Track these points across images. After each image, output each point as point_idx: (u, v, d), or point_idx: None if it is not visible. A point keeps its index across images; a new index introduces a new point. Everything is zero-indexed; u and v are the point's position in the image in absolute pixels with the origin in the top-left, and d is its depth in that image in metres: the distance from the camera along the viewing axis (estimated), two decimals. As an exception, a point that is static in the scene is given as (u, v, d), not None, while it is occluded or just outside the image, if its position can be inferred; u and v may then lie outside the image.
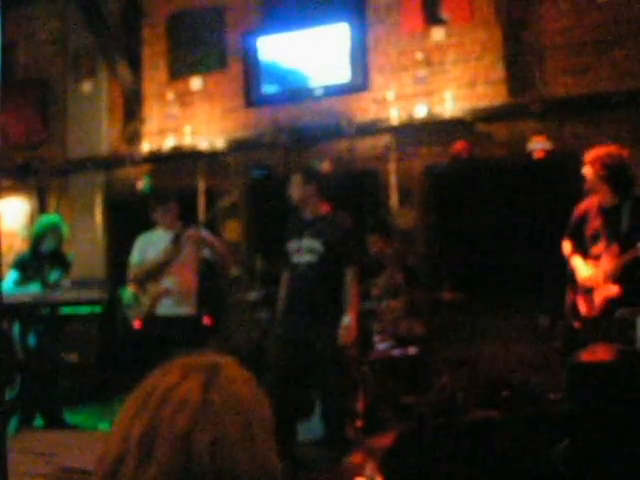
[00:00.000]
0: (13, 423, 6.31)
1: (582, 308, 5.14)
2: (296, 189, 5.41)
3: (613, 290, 4.89)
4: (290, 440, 5.37)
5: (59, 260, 6.87)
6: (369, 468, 4.46)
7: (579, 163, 7.21)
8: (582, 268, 5.15)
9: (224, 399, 1.12)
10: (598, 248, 5.08)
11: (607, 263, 4.98)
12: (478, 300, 7.29)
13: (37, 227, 6.96)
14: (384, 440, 5.87)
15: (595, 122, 7.49)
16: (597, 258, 5.09)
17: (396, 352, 6.66)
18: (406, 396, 6.81)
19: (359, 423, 5.97)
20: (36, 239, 6.82)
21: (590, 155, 5.15)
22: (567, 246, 5.39)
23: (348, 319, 5.19)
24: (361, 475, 4.24)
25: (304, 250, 5.30)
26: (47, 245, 6.81)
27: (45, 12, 10.29)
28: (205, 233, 6.19)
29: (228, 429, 1.10)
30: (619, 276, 4.90)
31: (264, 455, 1.15)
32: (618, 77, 7.46)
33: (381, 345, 6.62)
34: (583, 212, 5.27)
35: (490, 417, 6.67)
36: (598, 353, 4.11)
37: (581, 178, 5.34)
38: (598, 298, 4.97)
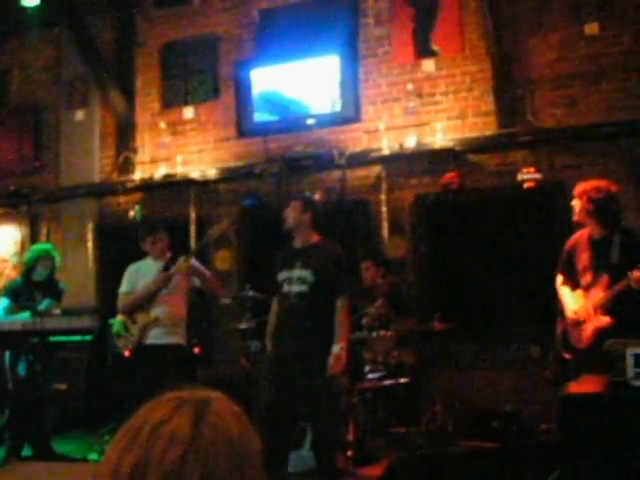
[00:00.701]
0: (1, 453, 6.27)
1: (573, 339, 5.15)
2: (293, 214, 5.43)
3: (604, 321, 4.90)
4: (281, 472, 5.35)
5: (51, 288, 6.86)
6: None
7: (569, 193, 7.27)
8: (570, 301, 5.17)
9: (214, 434, 1.12)
10: (588, 280, 5.11)
11: (596, 294, 5.00)
12: (469, 330, 7.30)
13: (29, 255, 6.95)
14: (375, 470, 5.85)
15: (584, 153, 7.57)
16: (587, 289, 5.11)
17: (387, 382, 6.65)
18: (397, 426, 6.79)
19: (350, 453, 5.95)
20: (28, 267, 6.82)
21: (578, 189, 5.20)
22: (559, 279, 5.42)
23: (338, 348, 5.18)
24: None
25: (295, 280, 5.30)
26: (39, 273, 6.81)
27: (39, 40, 10.34)
28: (195, 262, 6.18)
29: (218, 464, 1.10)
30: (610, 307, 4.92)
31: (254, 488, 1.15)
32: (607, 109, 7.55)
33: (372, 375, 6.61)
34: (573, 245, 5.31)
35: (481, 447, 6.66)
36: (588, 385, 4.12)
37: (570, 209, 5.39)
38: (589, 329, 4.97)
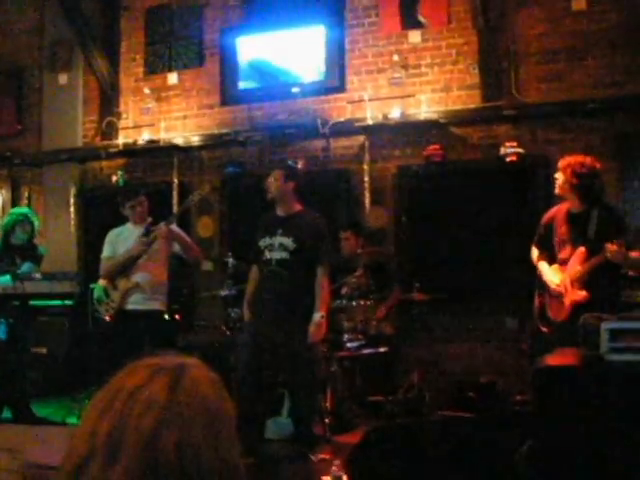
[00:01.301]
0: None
1: (551, 312, 5.20)
2: (275, 184, 5.45)
3: (581, 295, 4.96)
4: (258, 437, 5.41)
5: (31, 252, 6.84)
6: (336, 465, 4.49)
7: (551, 168, 7.32)
8: (551, 275, 5.22)
9: (190, 399, 1.14)
10: (565, 253, 5.16)
11: (573, 267, 5.05)
12: (447, 301, 7.36)
13: (7, 219, 6.92)
14: (352, 438, 5.92)
15: (568, 128, 7.59)
16: (564, 263, 5.16)
17: (365, 351, 6.71)
18: (374, 395, 6.86)
19: (327, 420, 6.02)
20: (6, 231, 6.79)
21: (562, 162, 5.22)
22: (534, 253, 5.47)
23: (319, 316, 5.23)
24: (328, 472, 4.27)
25: (276, 247, 5.34)
26: (18, 237, 6.78)
27: (22, 2, 10.20)
28: (175, 228, 6.18)
29: (193, 429, 1.12)
30: (587, 281, 4.97)
31: (228, 454, 1.17)
32: (591, 85, 7.56)
33: (351, 344, 6.66)
34: (550, 219, 5.35)
35: (457, 417, 6.74)
36: (563, 357, 4.18)
37: (552, 183, 5.43)
38: (567, 302, 5.04)
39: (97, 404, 1.17)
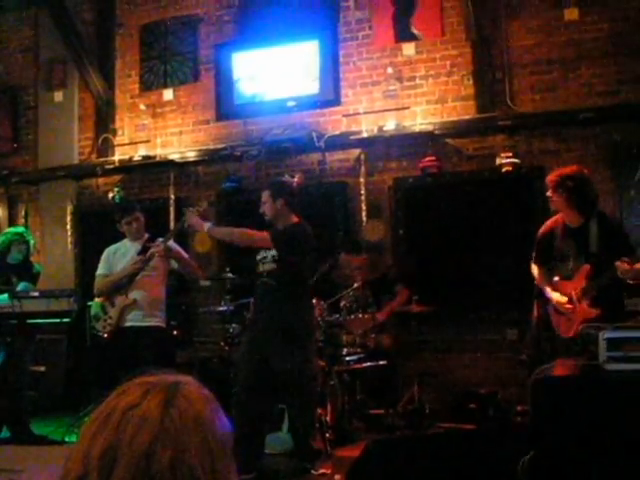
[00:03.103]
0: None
1: (560, 328, 5.12)
2: (266, 206, 5.46)
3: (593, 312, 4.87)
4: (258, 452, 5.39)
5: (26, 271, 6.83)
6: (337, 479, 4.49)
7: (547, 178, 7.31)
8: (559, 297, 5.11)
9: (183, 418, 1.14)
10: (567, 268, 5.10)
11: (579, 283, 4.99)
12: (446, 313, 7.35)
13: (2, 238, 6.91)
14: (352, 452, 5.89)
15: (563, 138, 7.62)
16: (567, 279, 5.10)
17: (365, 364, 6.70)
18: (374, 408, 6.85)
19: (328, 435, 5.99)
20: (1, 251, 6.78)
21: (551, 180, 5.15)
22: (535, 270, 5.40)
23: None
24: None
25: (268, 259, 5.36)
26: (14, 257, 6.78)
27: (17, 20, 10.24)
28: (173, 245, 6.17)
29: (188, 447, 1.12)
30: (596, 297, 4.91)
31: (224, 471, 1.17)
32: (585, 94, 7.59)
33: (350, 357, 6.66)
34: (547, 233, 5.29)
35: (458, 429, 6.73)
36: (562, 368, 4.17)
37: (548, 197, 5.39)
38: (577, 320, 4.91)
39: (91, 424, 1.17)
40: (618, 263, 4.67)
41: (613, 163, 7.36)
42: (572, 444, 3.55)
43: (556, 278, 5.17)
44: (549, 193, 5.16)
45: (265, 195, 5.49)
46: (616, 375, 3.58)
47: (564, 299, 5.08)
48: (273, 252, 5.35)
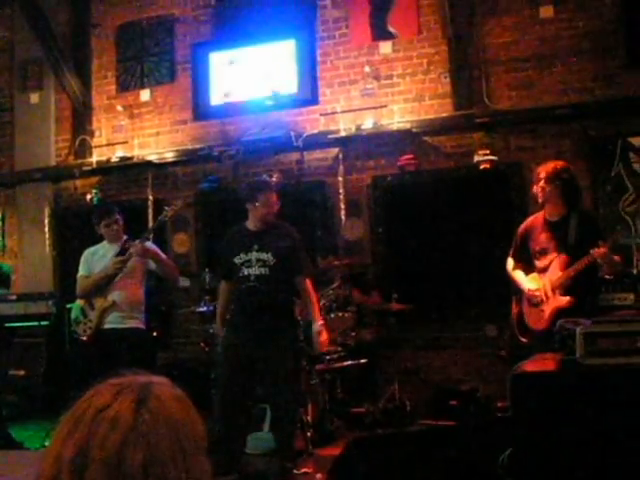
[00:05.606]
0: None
1: (530, 321, 5.18)
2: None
3: (564, 300, 4.92)
4: (239, 452, 5.38)
5: (-2, 274, 6.77)
6: (318, 478, 4.49)
7: (524, 174, 7.37)
8: (528, 283, 5.20)
9: (155, 418, 1.13)
10: (545, 261, 5.14)
11: (554, 274, 5.03)
12: (426, 310, 7.37)
13: None
14: (334, 450, 5.91)
15: (539, 135, 7.66)
16: (543, 271, 5.13)
17: (345, 363, 6.71)
18: (356, 406, 6.86)
19: (309, 434, 5.99)
20: None
21: (547, 171, 5.14)
22: (509, 264, 5.44)
23: (318, 325, 5.26)
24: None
25: (254, 262, 5.29)
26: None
27: (-9, 22, 10.17)
28: (151, 245, 6.15)
29: (160, 448, 1.12)
30: (569, 287, 4.96)
31: (196, 472, 1.17)
32: (561, 91, 7.63)
33: (330, 356, 6.65)
34: (527, 229, 5.33)
35: (439, 426, 6.75)
36: (540, 363, 4.19)
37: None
38: (548, 310, 5.00)
39: (63, 426, 1.16)
40: (594, 249, 4.73)
41: (589, 159, 7.41)
42: (551, 439, 3.56)
43: (534, 273, 5.21)
44: (542, 184, 5.13)
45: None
46: (594, 369, 3.60)
47: (532, 287, 5.13)
48: (258, 255, 5.28)
